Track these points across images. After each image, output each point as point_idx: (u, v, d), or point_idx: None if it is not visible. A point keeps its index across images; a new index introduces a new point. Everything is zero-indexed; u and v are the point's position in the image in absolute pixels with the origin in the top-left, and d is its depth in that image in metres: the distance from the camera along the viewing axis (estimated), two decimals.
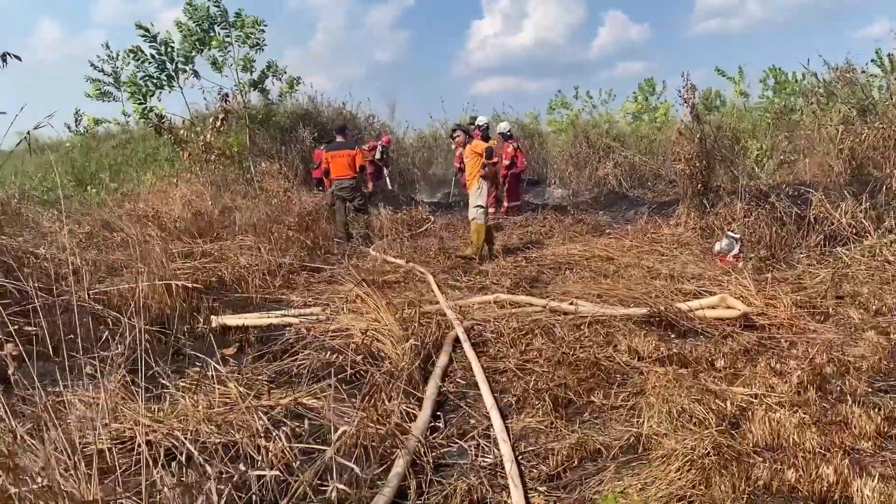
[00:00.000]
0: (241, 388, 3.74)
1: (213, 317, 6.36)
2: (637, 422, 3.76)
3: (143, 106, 16.18)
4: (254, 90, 17.94)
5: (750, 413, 3.81)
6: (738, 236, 8.28)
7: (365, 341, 4.71)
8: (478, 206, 9.39)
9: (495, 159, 9.48)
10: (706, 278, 7.21)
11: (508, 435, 3.67)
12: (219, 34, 16.77)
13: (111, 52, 20.96)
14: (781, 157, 11.60)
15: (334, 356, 4.55)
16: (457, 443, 3.70)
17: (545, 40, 60.91)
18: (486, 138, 12.66)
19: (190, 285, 6.01)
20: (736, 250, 8.22)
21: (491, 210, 12.97)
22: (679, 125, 10.51)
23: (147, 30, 15.99)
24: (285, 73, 18.11)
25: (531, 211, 13.70)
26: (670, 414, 3.69)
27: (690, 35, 59.59)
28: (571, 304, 6.25)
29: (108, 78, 20.84)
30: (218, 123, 16.42)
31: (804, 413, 3.77)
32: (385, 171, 18.28)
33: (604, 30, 60.53)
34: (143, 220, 11.35)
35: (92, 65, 20.85)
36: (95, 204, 14.71)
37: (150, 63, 16.37)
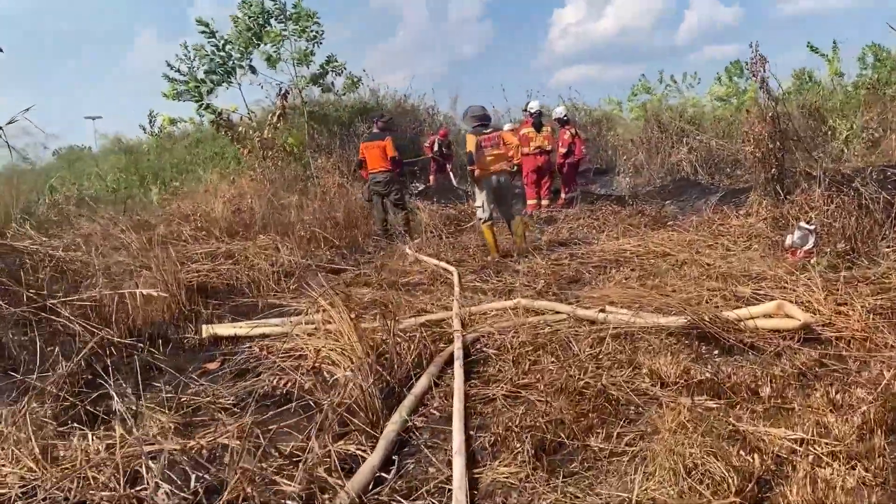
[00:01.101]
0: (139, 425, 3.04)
1: (204, 326, 5.76)
2: (634, 478, 2.85)
3: (201, 103, 15.97)
4: (313, 85, 17.49)
5: (790, 467, 2.85)
6: (812, 227, 7.10)
7: (318, 364, 3.94)
8: (477, 206, 8.65)
9: (502, 152, 8.52)
10: (770, 278, 6.10)
11: (466, 496, 2.83)
12: (275, 28, 16.38)
13: (188, 51, 20.99)
14: (869, 136, 10.16)
15: (283, 382, 3.82)
16: (401, 503, 2.89)
17: (629, 26, 58.79)
18: (537, 125, 11.75)
19: (156, 294, 5.38)
20: (810, 244, 7.05)
21: (545, 202, 12.04)
22: (749, 103, 9.27)
23: (207, 25, 15.75)
24: (345, 68, 17.58)
25: (590, 202, 12.63)
26: (676, 472, 2.76)
27: (784, 15, 56.12)
28: (602, 311, 5.32)
29: (184, 77, 20.71)
30: (274, 119, 16.08)
31: (865, 469, 2.78)
32: (448, 166, 17.51)
33: (690, 13, 57.81)
34: (182, 220, 11.05)
35: (169, 64, 20.92)
36: (153, 203, 14.59)
37: (210, 59, 16.13)
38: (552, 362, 4.29)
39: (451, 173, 17.70)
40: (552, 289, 6.65)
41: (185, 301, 6.52)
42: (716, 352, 4.48)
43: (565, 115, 12.88)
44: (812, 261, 6.51)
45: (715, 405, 3.50)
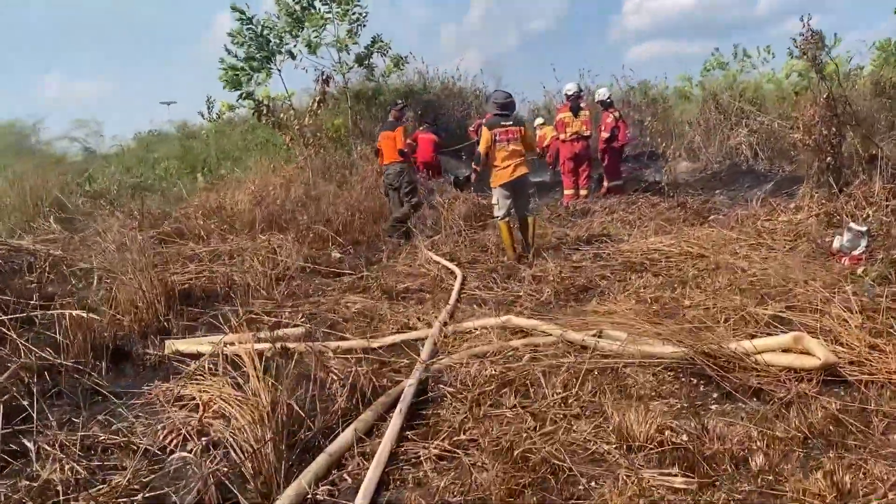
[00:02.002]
0: None
1: (168, 342, 5.28)
2: None
3: (240, 92, 15.62)
4: (358, 66, 16.91)
5: None
6: (864, 229, 6.12)
7: (205, 419, 3.33)
8: (493, 203, 7.99)
9: (518, 149, 7.73)
10: (806, 290, 5.20)
11: None
12: (319, 10, 15.85)
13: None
14: None
15: (169, 436, 3.25)
16: None
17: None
18: (575, 109, 10.88)
19: (86, 315, 4.91)
20: (861, 248, 6.09)
21: (583, 192, 11.18)
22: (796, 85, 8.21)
23: (242, 12, 15.36)
24: (389, 48, 16.96)
25: (634, 191, 11.68)
26: None
27: None
28: (598, 334, 4.59)
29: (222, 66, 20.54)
30: (314, 106, 15.63)
31: None
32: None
33: None
34: (206, 214, 10.72)
35: (227, 50, 20.69)
36: (185, 195, 14.32)
37: (248, 45, 15.74)
38: (512, 408, 3.60)
39: None
40: (558, 300, 5.94)
41: (164, 309, 6.08)
42: (715, 395, 3.70)
43: (608, 98, 11.88)
44: (859, 270, 5.56)
45: (684, 485, 2.75)
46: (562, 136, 11.13)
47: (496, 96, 8.03)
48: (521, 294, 6.17)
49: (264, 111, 15.52)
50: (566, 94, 11.30)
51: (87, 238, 8.95)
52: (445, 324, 5.21)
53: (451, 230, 9.08)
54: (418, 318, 5.52)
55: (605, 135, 11.64)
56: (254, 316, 5.85)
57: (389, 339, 5.03)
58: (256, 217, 10.14)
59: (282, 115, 15.82)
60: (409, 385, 3.80)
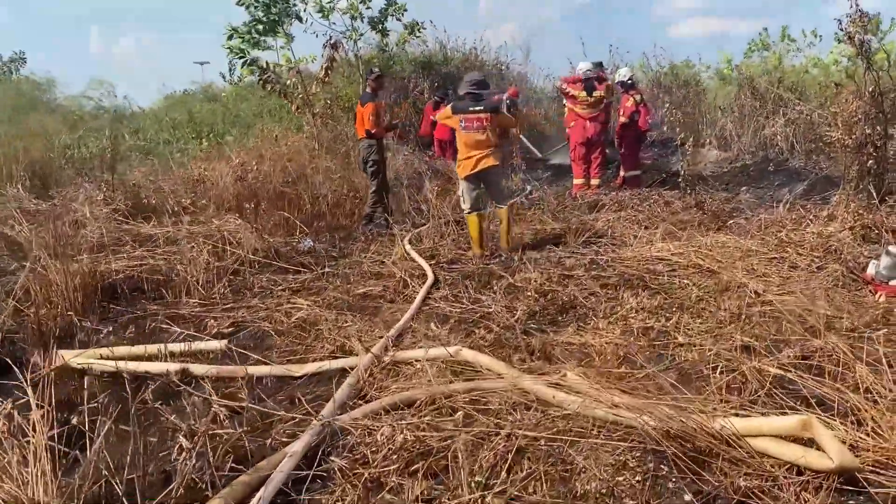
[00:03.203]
0: None
1: (59, 352, 4.45)
2: None
3: (244, 59, 14.67)
4: (373, 31, 15.87)
5: None
6: None
7: None
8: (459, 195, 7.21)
9: (482, 139, 6.80)
10: (830, 331, 4.17)
11: None
12: None
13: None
14: None
15: None
16: None
17: None
18: (589, 88, 9.78)
19: None
20: None
21: (595, 182, 10.12)
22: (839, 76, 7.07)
23: None
24: (405, 11, 15.85)
25: (654, 183, 10.56)
26: None
27: None
28: (561, 380, 3.65)
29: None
30: (322, 74, 14.65)
31: None
32: (513, 130, 15.57)
33: None
34: (186, 187, 9.91)
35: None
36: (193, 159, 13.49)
37: (256, 7, 14.75)
38: (415, 501, 2.69)
39: (523, 139, 15.80)
40: (533, 322, 4.98)
41: (80, 306, 5.27)
42: (687, 497, 2.74)
43: (629, 79, 10.69)
44: None
45: None
46: (574, 107, 10.03)
47: (468, 76, 7.11)
48: (491, 310, 5.22)
49: (270, 78, 14.58)
50: (578, 72, 10.18)
51: (43, 212, 8.20)
52: (386, 350, 4.29)
53: (439, 220, 8.12)
54: (360, 338, 4.60)
55: (623, 119, 10.50)
56: (181, 317, 5.02)
57: (310, 368, 4.14)
58: (236, 193, 9.33)
59: (288, 82, 14.88)
60: (288, 456, 2.90)
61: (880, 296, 4.81)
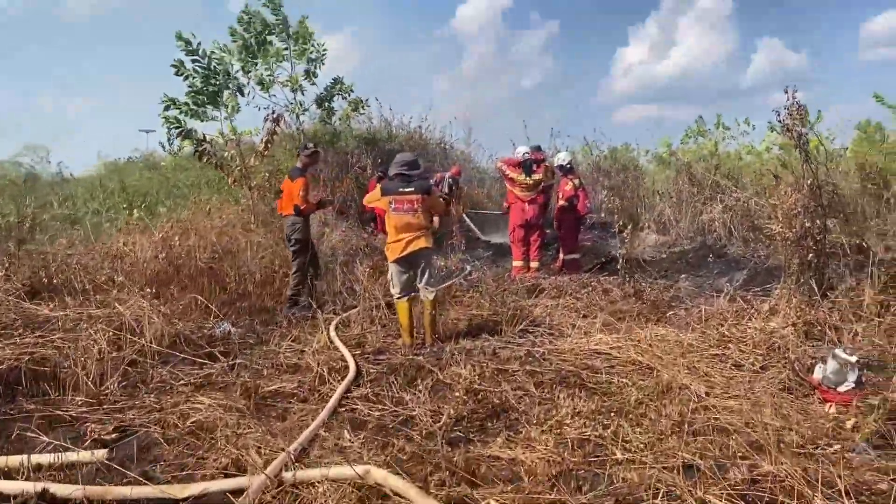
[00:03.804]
0: None
1: None
2: None
3: (180, 129, 14.13)
4: (318, 108, 15.63)
5: None
6: (853, 359, 4.71)
7: None
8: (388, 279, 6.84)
9: (414, 221, 6.43)
10: (777, 453, 3.75)
11: None
12: (275, 45, 14.57)
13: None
14: None
15: None
16: None
17: (693, 68, 55.76)
18: (528, 171, 9.55)
19: None
20: (849, 384, 4.68)
21: (534, 265, 9.78)
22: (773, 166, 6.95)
23: (188, 42, 13.98)
24: (352, 91, 15.69)
25: (593, 268, 10.29)
26: None
27: (855, 64, 51.89)
28: None
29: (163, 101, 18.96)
30: (261, 147, 14.22)
31: None
32: (456, 207, 15.30)
33: (758, 57, 54.15)
34: (103, 262, 9.21)
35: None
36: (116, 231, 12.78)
37: (194, 78, 14.30)
38: None
39: (466, 218, 15.53)
40: (457, 428, 4.46)
41: None
42: None
43: (569, 163, 10.54)
44: (848, 423, 4.14)
45: None
46: (513, 189, 9.78)
47: (399, 157, 6.74)
48: (415, 413, 4.68)
49: (206, 150, 14.05)
50: (516, 155, 9.97)
51: None
52: (285, 467, 3.69)
53: (370, 303, 7.60)
54: (259, 450, 3.99)
55: (562, 203, 10.28)
56: (60, 419, 4.33)
57: (195, 489, 3.51)
58: (157, 270, 8.69)
59: (226, 154, 14.38)
60: None
61: (830, 407, 4.44)
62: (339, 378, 5.36)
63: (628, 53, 55.78)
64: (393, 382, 5.30)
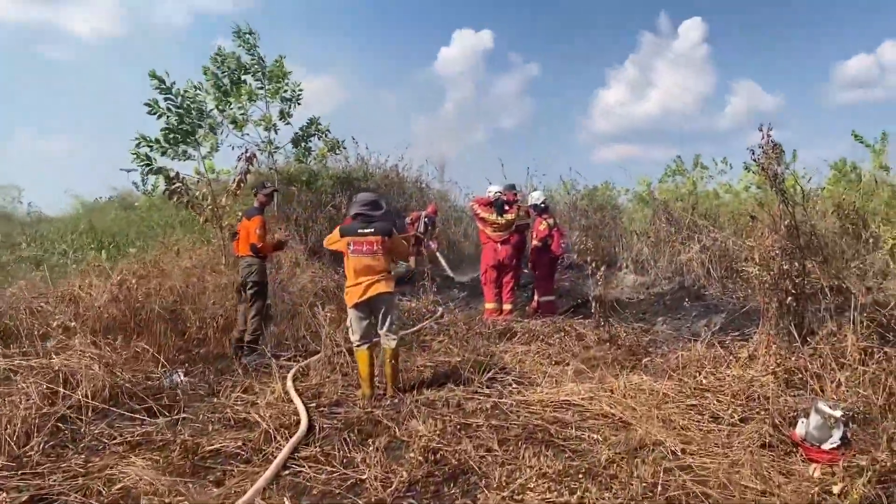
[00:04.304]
0: None
1: None
2: None
3: (150, 167, 13.71)
4: (294, 148, 15.30)
5: None
6: (837, 414, 4.35)
7: None
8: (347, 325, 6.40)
9: (373, 264, 6.09)
10: None
11: None
12: (250, 85, 14.28)
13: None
14: None
15: None
16: None
17: (671, 109, 56.18)
18: (500, 210, 9.24)
19: None
20: (834, 440, 4.31)
21: (507, 306, 9.41)
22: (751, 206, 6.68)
23: (162, 80, 13.67)
24: (328, 132, 15.39)
25: (568, 310, 9.92)
26: None
27: (829, 105, 52.47)
28: None
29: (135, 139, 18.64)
30: (233, 186, 13.83)
31: None
32: (433, 246, 14.97)
33: (734, 99, 54.72)
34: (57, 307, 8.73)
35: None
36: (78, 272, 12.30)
37: (168, 117, 13.95)
38: None
39: (439, 257, 15.20)
40: (409, 494, 4.03)
41: None
42: None
43: (543, 202, 10.23)
44: (836, 487, 3.75)
45: None
46: (485, 229, 9.47)
47: (359, 196, 6.37)
48: (365, 476, 4.25)
49: (178, 188, 13.64)
50: (488, 194, 9.64)
51: None
52: None
53: (332, 350, 7.17)
54: None
55: (536, 243, 9.95)
56: None
57: None
58: (114, 316, 8.24)
59: (197, 193, 13.98)
60: None
61: (815, 469, 4.06)
62: (289, 435, 4.91)
63: (607, 94, 56.22)
64: (346, 439, 4.87)
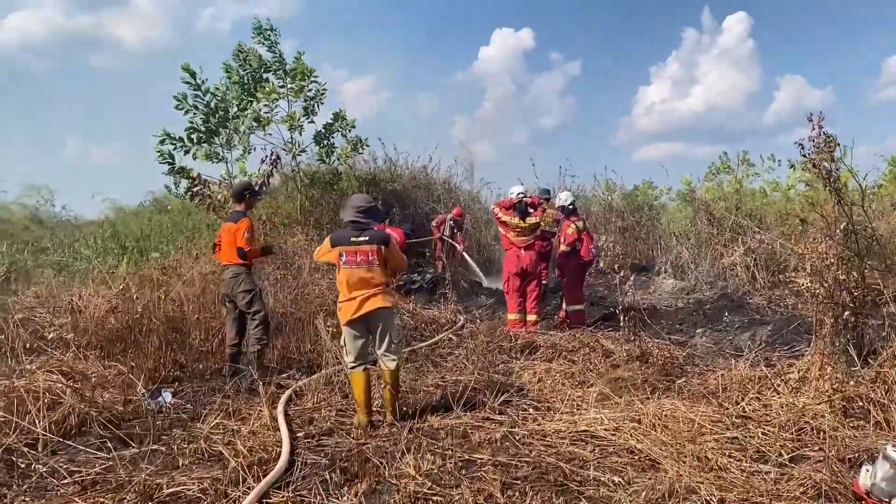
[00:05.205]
0: None
1: None
2: None
3: (172, 166, 13.28)
4: (317, 146, 14.74)
5: None
6: None
7: None
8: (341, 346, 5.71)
9: (368, 276, 5.38)
10: None
11: None
12: (271, 83, 13.77)
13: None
14: None
15: None
16: None
17: (716, 105, 54.45)
18: (523, 214, 8.50)
19: None
20: None
21: (532, 317, 8.68)
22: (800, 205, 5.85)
23: (193, 73, 13.21)
24: (353, 127, 14.79)
25: (599, 321, 9.13)
26: None
27: (880, 101, 50.09)
28: None
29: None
30: (256, 188, 13.32)
31: None
32: (460, 249, 14.25)
33: (780, 94, 52.66)
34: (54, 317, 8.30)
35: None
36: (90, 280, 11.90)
37: (194, 114, 13.51)
38: None
39: (469, 261, 14.48)
40: None
41: None
42: None
43: (571, 204, 9.44)
44: None
45: None
46: (507, 234, 8.72)
47: (353, 200, 5.66)
48: None
49: (200, 190, 13.19)
50: (510, 195, 8.87)
51: None
52: None
53: (334, 368, 6.54)
54: None
55: (563, 248, 9.17)
56: None
57: None
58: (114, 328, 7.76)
59: (220, 195, 13.53)
60: None
61: None
62: (262, 474, 4.27)
63: (650, 92, 54.72)
64: (327, 480, 4.22)
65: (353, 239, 5.32)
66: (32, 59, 57.71)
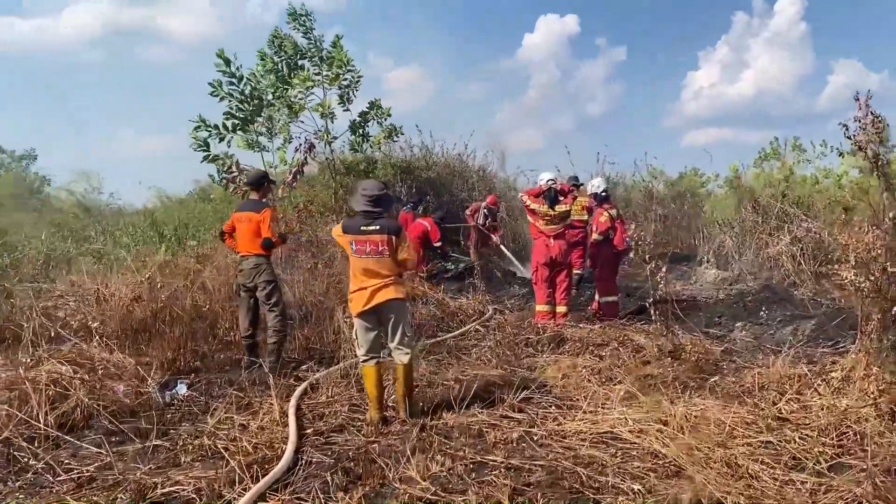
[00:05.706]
0: None
1: None
2: None
3: (207, 154, 13.20)
4: (352, 135, 14.55)
5: None
6: None
7: None
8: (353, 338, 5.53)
9: (375, 269, 5.10)
10: None
11: None
12: (307, 70, 13.59)
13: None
14: None
15: None
16: None
17: (767, 90, 52.82)
18: (552, 202, 8.16)
19: None
20: None
21: (562, 309, 8.34)
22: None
23: (228, 61, 13.08)
24: (389, 115, 14.55)
25: (632, 313, 8.75)
26: None
27: None
28: None
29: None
30: (289, 178, 13.19)
31: None
32: (495, 238, 13.93)
33: (834, 78, 50.64)
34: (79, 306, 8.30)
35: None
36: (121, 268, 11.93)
37: (230, 101, 13.40)
38: None
39: (504, 250, 14.17)
40: None
41: None
42: None
43: (604, 191, 9.03)
44: None
45: None
46: (536, 222, 8.37)
47: (364, 186, 5.36)
48: None
49: (235, 178, 13.10)
50: (539, 183, 8.49)
51: None
52: None
53: (351, 362, 6.33)
54: None
55: (596, 237, 8.78)
56: None
57: None
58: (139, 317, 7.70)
59: None
60: None
61: None
62: (262, 474, 4.07)
63: (699, 77, 53.33)
64: (329, 482, 4.00)
65: (363, 228, 5.07)
66: (86, 50, 59.03)
